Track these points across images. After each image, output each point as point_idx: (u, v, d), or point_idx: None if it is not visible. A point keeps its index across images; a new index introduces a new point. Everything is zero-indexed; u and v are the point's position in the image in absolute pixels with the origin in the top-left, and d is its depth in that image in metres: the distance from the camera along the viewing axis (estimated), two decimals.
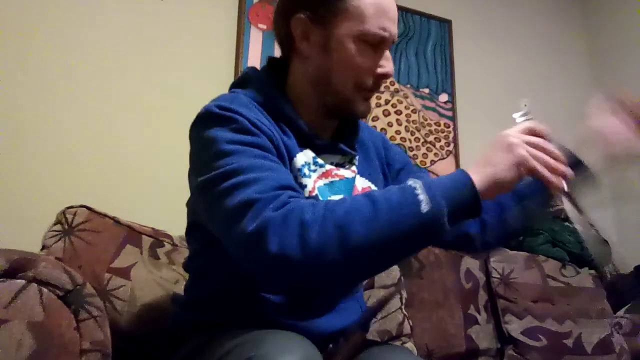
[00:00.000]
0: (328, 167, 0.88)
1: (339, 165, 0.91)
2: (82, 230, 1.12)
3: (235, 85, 0.92)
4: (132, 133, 1.72)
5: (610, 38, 2.74)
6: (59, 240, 1.09)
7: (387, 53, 0.85)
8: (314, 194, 0.84)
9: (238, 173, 0.71)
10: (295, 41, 0.86)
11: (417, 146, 2.24)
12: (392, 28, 0.84)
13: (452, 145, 2.31)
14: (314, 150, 0.87)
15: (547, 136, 0.75)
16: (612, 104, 0.84)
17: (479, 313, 1.67)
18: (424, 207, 0.65)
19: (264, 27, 2.02)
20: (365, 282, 1.40)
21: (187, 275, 0.97)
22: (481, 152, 0.75)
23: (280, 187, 0.71)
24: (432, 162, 2.25)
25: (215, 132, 0.76)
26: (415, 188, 0.67)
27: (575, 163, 0.83)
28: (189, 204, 0.92)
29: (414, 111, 2.27)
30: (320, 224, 0.65)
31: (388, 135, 2.17)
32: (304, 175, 0.84)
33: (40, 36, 1.65)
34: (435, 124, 2.30)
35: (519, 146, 0.71)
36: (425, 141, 2.26)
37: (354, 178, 0.91)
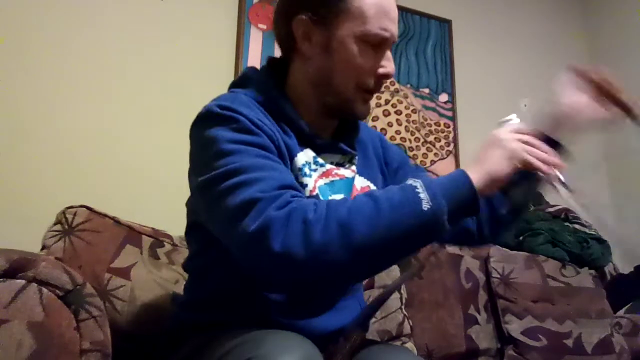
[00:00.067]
0: (328, 166, 0.88)
1: (339, 164, 0.91)
2: (82, 230, 1.12)
3: (235, 85, 0.92)
4: (132, 133, 1.72)
5: (610, 38, 2.74)
6: (59, 240, 1.09)
7: (388, 53, 0.86)
8: (314, 193, 0.84)
9: (239, 172, 0.71)
10: (297, 42, 0.86)
11: (417, 146, 2.24)
12: (393, 28, 0.84)
13: (452, 145, 2.31)
14: (314, 150, 0.87)
15: (533, 133, 0.79)
16: (579, 80, 0.88)
17: (479, 313, 1.67)
18: (425, 205, 0.66)
19: (264, 27, 2.02)
20: (365, 282, 1.40)
21: (186, 275, 0.97)
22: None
23: (282, 187, 0.71)
24: (432, 162, 2.25)
25: (216, 132, 0.76)
26: (415, 187, 0.68)
27: (558, 148, 0.86)
28: (189, 204, 0.92)
29: (414, 111, 2.27)
30: (323, 223, 0.65)
31: (388, 135, 2.17)
32: (305, 175, 0.84)
33: (41, 36, 1.65)
34: (435, 124, 2.30)
35: (510, 141, 0.74)
36: (425, 141, 2.26)
37: (353, 177, 0.91)
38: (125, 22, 1.79)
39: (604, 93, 0.87)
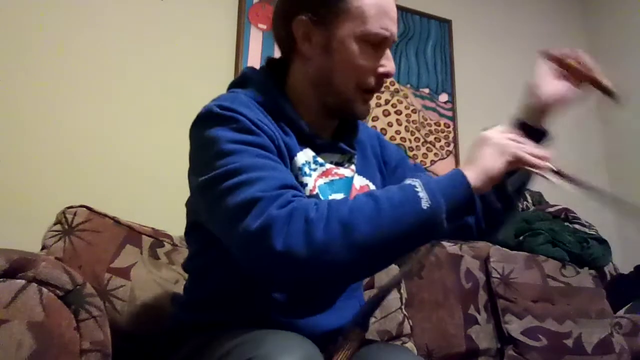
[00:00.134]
0: (328, 166, 0.89)
1: (339, 164, 0.91)
2: (82, 230, 1.12)
3: (234, 85, 0.92)
4: (132, 133, 1.72)
5: (610, 38, 2.74)
6: (59, 240, 1.09)
7: (388, 52, 0.86)
8: (314, 192, 0.84)
9: (240, 172, 0.71)
10: (297, 43, 0.86)
11: (417, 146, 2.24)
12: (393, 27, 0.84)
13: (452, 145, 2.31)
14: (314, 150, 0.87)
15: (518, 133, 0.82)
16: (555, 66, 0.93)
17: (479, 313, 1.67)
18: (424, 204, 0.67)
19: (264, 27, 2.02)
20: (365, 281, 1.40)
21: (186, 276, 0.97)
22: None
23: (283, 186, 0.71)
24: (432, 162, 2.25)
25: (216, 132, 0.76)
26: (414, 186, 0.69)
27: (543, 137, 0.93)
28: (189, 204, 0.92)
29: (414, 111, 2.27)
30: (325, 222, 0.66)
31: (388, 135, 2.17)
32: (305, 174, 0.84)
33: (40, 36, 1.65)
34: (435, 124, 2.30)
35: (499, 138, 0.77)
36: (425, 141, 2.26)
37: (352, 177, 0.92)
38: (125, 22, 1.80)
39: (583, 77, 0.91)
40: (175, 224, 1.13)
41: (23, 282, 0.80)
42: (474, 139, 0.80)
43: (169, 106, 1.78)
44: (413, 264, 0.84)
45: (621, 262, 2.22)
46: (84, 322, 0.84)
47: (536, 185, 2.27)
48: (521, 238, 1.97)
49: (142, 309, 1.11)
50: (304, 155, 0.85)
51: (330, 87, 0.85)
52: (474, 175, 0.72)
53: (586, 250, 1.94)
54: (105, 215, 1.18)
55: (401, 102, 2.25)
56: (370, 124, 2.15)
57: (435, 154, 2.27)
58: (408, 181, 0.71)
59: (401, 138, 2.21)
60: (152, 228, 1.26)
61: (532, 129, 0.93)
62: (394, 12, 0.85)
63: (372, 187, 0.95)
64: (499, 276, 1.73)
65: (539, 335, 1.65)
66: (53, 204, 1.18)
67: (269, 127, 0.80)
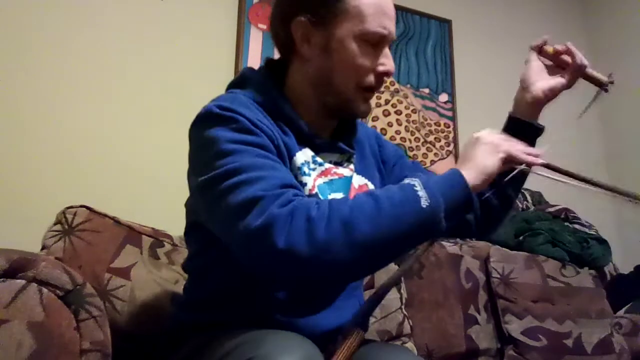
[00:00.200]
0: (327, 165, 0.89)
1: (337, 163, 0.92)
2: (82, 230, 1.12)
3: (233, 86, 0.92)
4: (132, 133, 1.72)
5: (610, 38, 2.74)
6: (59, 240, 1.09)
7: (387, 51, 0.86)
8: (313, 192, 0.84)
9: (240, 172, 0.71)
10: (296, 44, 0.86)
11: (417, 146, 2.24)
12: (391, 26, 0.85)
13: (452, 145, 2.31)
14: (313, 149, 0.88)
15: (507, 134, 0.85)
16: (546, 61, 0.95)
17: (479, 313, 1.67)
18: (424, 203, 0.68)
19: (264, 27, 2.02)
20: (365, 281, 1.40)
21: (186, 275, 0.97)
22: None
23: (284, 186, 0.71)
24: (432, 162, 2.25)
25: (216, 132, 0.76)
26: (414, 185, 0.70)
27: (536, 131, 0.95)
28: (188, 204, 0.92)
29: (414, 111, 2.27)
30: (326, 221, 0.66)
31: (388, 135, 2.17)
32: (304, 174, 0.84)
33: (41, 36, 1.65)
34: (435, 124, 2.30)
35: (490, 137, 0.79)
36: (425, 141, 2.26)
37: (351, 176, 0.92)
38: (125, 22, 1.79)
39: (573, 70, 0.92)
40: (175, 224, 1.13)
41: (23, 282, 0.80)
42: (466, 141, 0.82)
43: (169, 106, 1.78)
44: (412, 262, 0.84)
45: (621, 262, 2.22)
46: (84, 322, 0.84)
47: (536, 185, 2.27)
48: (521, 238, 1.97)
49: (142, 309, 1.11)
50: (303, 155, 0.86)
51: (330, 87, 0.86)
52: (470, 174, 0.74)
53: (586, 250, 1.94)
54: (105, 215, 1.18)
55: (401, 102, 2.25)
56: (370, 124, 2.15)
57: (435, 154, 2.27)
58: (407, 180, 0.72)
59: (401, 138, 2.21)
60: (152, 228, 1.26)
61: (526, 123, 0.93)
62: (391, 11, 0.85)
63: (371, 186, 0.95)
64: (499, 276, 1.73)
65: (539, 335, 1.65)
66: (53, 204, 1.18)
67: (268, 127, 0.80)
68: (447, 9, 2.48)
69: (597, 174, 2.74)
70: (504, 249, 1.84)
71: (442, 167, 2.23)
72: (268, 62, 0.94)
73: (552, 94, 0.93)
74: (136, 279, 1.13)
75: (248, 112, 0.79)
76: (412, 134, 2.24)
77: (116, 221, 1.19)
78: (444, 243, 1.73)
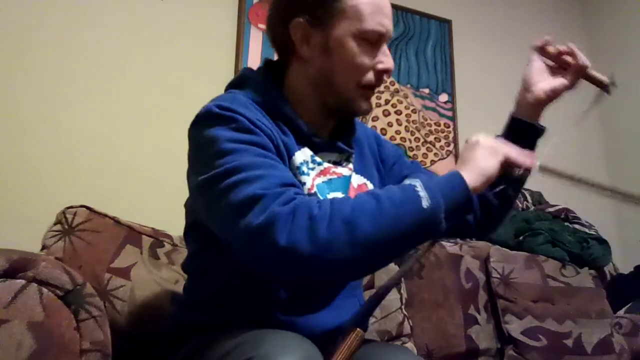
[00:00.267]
0: (326, 165, 0.89)
1: (336, 163, 0.92)
2: (82, 230, 1.12)
3: (232, 86, 0.93)
4: (132, 133, 1.72)
5: (610, 38, 2.74)
6: (59, 240, 1.09)
7: (385, 49, 0.87)
8: (312, 191, 0.84)
9: (240, 170, 0.71)
10: (295, 45, 0.86)
11: (417, 146, 2.24)
12: (388, 24, 0.86)
13: (452, 145, 2.31)
14: (312, 149, 0.88)
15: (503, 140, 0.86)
16: (548, 61, 0.95)
17: (479, 313, 1.67)
18: (425, 203, 0.68)
19: (264, 27, 2.02)
20: (365, 281, 1.40)
21: (186, 275, 0.97)
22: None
23: (284, 184, 0.72)
24: (432, 162, 2.25)
25: (215, 132, 0.76)
26: (415, 186, 0.70)
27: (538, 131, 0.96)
28: (188, 204, 0.92)
29: (414, 111, 2.27)
30: (328, 220, 0.67)
31: (388, 135, 2.17)
32: (303, 173, 0.84)
33: (41, 36, 1.65)
34: (435, 124, 2.30)
35: (489, 140, 0.80)
36: (425, 141, 2.26)
37: (350, 175, 0.92)
38: (125, 22, 1.79)
39: (576, 71, 0.92)
40: (175, 224, 1.13)
41: (23, 282, 0.80)
42: (465, 144, 0.83)
43: (169, 106, 1.78)
44: (412, 262, 0.85)
45: (621, 262, 2.22)
46: (84, 322, 0.84)
47: (536, 185, 2.27)
48: (521, 238, 1.97)
49: (142, 309, 1.11)
50: (302, 155, 0.86)
51: (330, 87, 0.86)
52: (470, 176, 0.74)
53: (586, 250, 1.94)
54: (105, 215, 1.18)
55: (401, 102, 2.25)
56: (370, 124, 2.15)
57: (435, 154, 2.26)
58: (408, 181, 0.72)
59: (401, 138, 2.21)
60: (152, 228, 1.26)
61: (527, 124, 0.93)
62: (388, 9, 0.86)
63: (370, 185, 0.95)
64: (499, 276, 1.73)
65: (539, 335, 1.66)
66: (53, 204, 1.18)
67: (267, 126, 0.81)
68: (447, 9, 2.48)
69: (597, 174, 2.75)
70: (504, 249, 1.84)
71: (442, 167, 2.23)
72: (267, 63, 0.94)
73: (553, 95, 0.93)
74: (136, 279, 1.13)
75: (247, 111, 0.79)
76: (412, 134, 2.24)
77: (116, 221, 1.19)
78: (444, 243, 1.73)
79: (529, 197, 2.19)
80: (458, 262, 1.71)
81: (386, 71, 0.86)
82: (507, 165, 0.79)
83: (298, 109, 0.88)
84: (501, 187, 0.85)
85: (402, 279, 1.54)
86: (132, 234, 1.19)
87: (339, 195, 0.88)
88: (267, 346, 0.64)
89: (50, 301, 0.81)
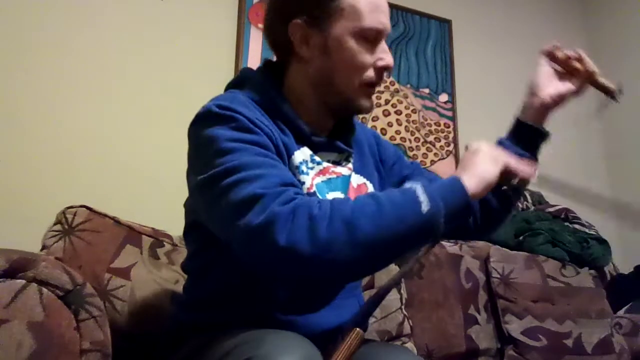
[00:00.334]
0: (325, 164, 0.89)
1: (336, 162, 0.92)
2: (82, 230, 1.12)
3: (231, 86, 0.93)
4: (132, 133, 1.72)
5: (610, 38, 2.74)
6: (59, 240, 1.09)
7: (385, 45, 0.87)
8: (312, 190, 0.84)
9: (240, 170, 0.71)
10: (294, 46, 0.86)
11: (417, 146, 2.24)
12: (386, 20, 0.86)
13: (452, 145, 2.31)
14: (311, 148, 0.88)
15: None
16: (556, 66, 0.95)
17: (479, 313, 1.67)
18: (424, 207, 0.68)
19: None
20: (364, 281, 1.40)
21: (186, 275, 0.97)
22: None
23: (284, 184, 0.72)
24: (432, 162, 2.25)
25: (215, 131, 0.76)
26: (415, 190, 0.70)
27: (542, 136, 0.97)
28: (187, 203, 0.92)
29: (414, 111, 2.27)
30: (328, 220, 0.67)
31: (388, 135, 2.17)
32: (302, 173, 0.85)
33: (41, 36, 1.65)
34: (435, 124, 2.30)
35: (491, 148, 0.81)
36: (425, 141, 2.26)
37: (350, 175, 0.92)
38: (125, 22, 1.79)
39: (584, 77, 0.93)
40: (175, 224, 1.13)
41: (23, 282, 0.80)
42: (465, 150, 0.83)
43: (169, 106, 1.78)
44: (413, 263, 0.85)
45: (621, 262, 2.21)
46: (84, 322, 0.84)
47: (536, 185, 2.26)
48: (521, 238, 1.97)
49: (142, 309, 1.11)
50: (302, 154, 0.86)
51: (331, 86, 0.86)
52: (471, 182, 0.75)
53: (586, 250, 1.94)
54: (105, 215, 1.18)
55: (401, 102, 2.25)
56: (370, 124, 2.15)
57: (435, 154, 2.26)
58: (408, 185, 0.72)
59: (401, 138, 2.21)
60: (152, 228, 1.26)
61: (532, 128, 0.94)
62: (385, 5, 0.86)
63: (370, 185, 0.95)
64: (499, 276, 1.73)
65: (539, 335, 1.66)
66: (53, 204, 1.18)
67: (267, 126, 0.81)
68: (447, 9, 2.48)
69: (597, 174, 2.75)
70: (504, 249, 1.84)
71: (442, 167, 2.23)
72: (267, 63, 0.94)
73: (560, 100, 0.93)
74: (136, 279, 1.13)
75: (247, 111, 0.79)
76: (412, 134, 2.24)
77: (116, 221, 1.19)
78: (444, 243, 1.73)
79: (529, 197, 2.19)
80: (458, 262, 1.71)
81: (386, 68, 0.86)
82: (507, 174, 0.79)
83: (297, 108, 0.88)
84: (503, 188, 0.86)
85: (402, 279, 1.54)
86: (132, 234, 1.19)
87: (338, 194, 0.88)
88: (267, 346, 0.64)
89: (50, 301, 0.81)
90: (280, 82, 0.91)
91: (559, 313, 1.72)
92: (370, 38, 0.84)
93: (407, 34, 2.35)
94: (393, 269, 1.48)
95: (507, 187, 0.82)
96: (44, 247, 1.09)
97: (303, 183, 0.84)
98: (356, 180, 0.93)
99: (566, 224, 2.05)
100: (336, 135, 0.93)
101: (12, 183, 1.52)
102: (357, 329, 0.73)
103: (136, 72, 1.77)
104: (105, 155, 1.66)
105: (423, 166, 2.20)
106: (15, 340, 0.75)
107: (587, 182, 2.56)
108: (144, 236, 1.21)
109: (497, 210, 0.98)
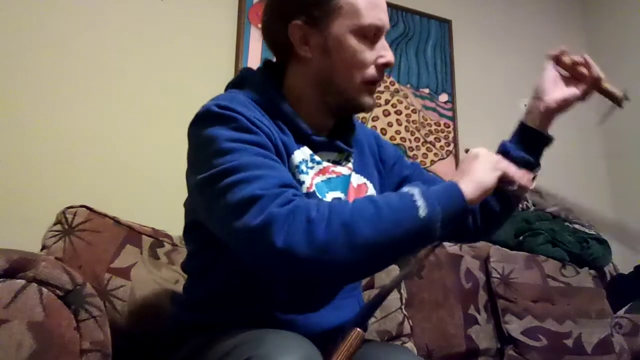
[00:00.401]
0: (325, 164, 0.89)
1: (336, 162, 0.92)
2: (82, 230, 1.12)
3: (231, 86, 0.93)
4: (132, 133, 1.72)
5: (610, 38, 2.74)
6: (59, 240, 1.09)
7: (384, 42, 0.87)
8: (311, 190, 0.84)
9: (239, 170, 0.71)
10: (294, 46, 0.86)
11: (417, 146, 2.24)
12: (385, 17, 0.86)
13: (452, 145, 2.31)
14: (311, 148, 0.88)
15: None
16: (561, 71, 0.96)
17: (479, 313, 1.67)
18: (422, 212, 0.69)
19: None
20: (364, 281, 1.40)
21: (186, 275, 0.97)
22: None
23: (283, 185, 0.72)
24: (432, 162, 2.25)
25: (215, 131, 0.76)
26: (413, 195, 0.71)
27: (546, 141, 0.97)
28: (187, 203, 0.92)
29: (414, 111, 2.27)
30: (326, 222, 0.67)
31: (388, 135, 2.17)
32: (302, 172, 0.85)
33: (41, 36, 1.65)
34: (435, 124, 2.30)
35: (490, 155, 0.81)
36: (425, 141, 2.26)
37: (350, 175, 0.92)
38: (125, 22, 1.79)
39: (590, 83, 0.93)
40: (175, 224, 1.13)
41: (23, 282, 0.80)
42: (464, 155, 0.84)
43: (169, 106, 1.78)
44: (414, 265, 0.85)
45: (621, 262, 2.21)
46: (84, 322, 0.84)
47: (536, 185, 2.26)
48: (521, 238, 1.97)
49: (142, 309, 1.11)
50: (301, 154, 0.86)
51: (333, 85, 0.86)
52: (468, 189, 0.75)
53: (586, 250, 1.94)
54: (105, 215, 1.18)
55: (401, 102, 2.25)
56: (370, 124, 2.15)
57: (435, 154, 2.26)
58: (406, 189, 0.73)
59: (401, 138, 2.21)
60: (152, 228, 1.26)
61: (536, 132, 0.94)
62: (383, 2, 0.87)
63: (370, 185, 0.95)
64: (499, 276, 1.73)
65: (539, 335, 1.66)
66: (53, 204, 1.18)
67: (266, 125, 0.81)
68: (447, 9, 2.48)
69: (597, 174, 2.75)
70: (504, 249, 1.84)
71: (442, 167, 2.23)
72: (266, 63, 0.94)
73: (565, 105, 0.94)
74: (136, 279, 1.13)
75: (247, 111, 0.79)
76: (412, 134, 2.24)
77: (116, 221, 1.19)
78: (444, 243, 1.73)
79: (529, 197, 2.19)
80: (458, 262, 1.71)
81: (387, 64, 0.87)
82: (505, 181, 0.80)
83: (297, 108, 0.88)
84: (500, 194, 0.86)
85: (403, 280, 1.54)
86: (132, 234, 1.19)
87: (338, 194, 0.88)
88: (266, 346, 0.64)
89: (50, 301, 0.81)
90: (280, 82, 0.91)
91: (559, 313, 1.72)
92: (369, 35, 0.84)
93: (407, 34, 2.35)
94: (393, 269, 1.48)
95: (504, 193, 0.83)
96: (44, 247, 1.09)
97: (303, 182, 0.84)
98: (356, 180, 0.93)
99: (566, 224, 2.05)
100: (336, 135, 0.93)
101: (12, 183, 1.52)
102: (358, 329, 0.73)
103: (136, 72, 1.77)
104: (105, 155, 1.66)
105: (423, 166, 2.20)
106: (15, 340, 0.75)
107: (587, 182, 2.56)
108: (144, 236, 1.21)
109: (497, 213, 0.98)
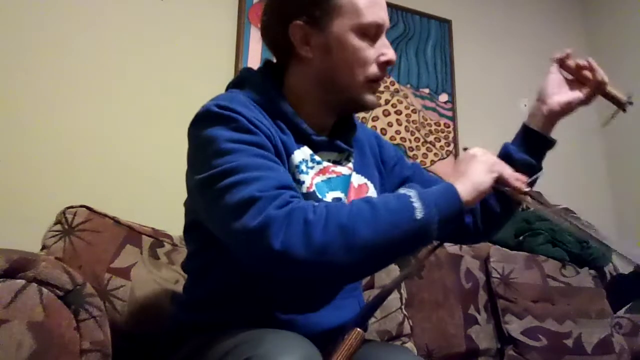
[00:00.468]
0: (325, 164, 0.89)
1: (336, 162, 0.92)
2: (82, 230, 1.12)
3: (232, 86, 0.93)
4: (132, 133, 1.72)
5: (610, 38, 2.74)
6: (59, 240, 1.09)
7: (385, 40, 0.87)
8: (311, 190, 0.84)
9: (238, 171, 0.71)
10: (295, 46, 0.86)
11: (417, 146, 2.24)
12: (385, 15, 0.86)
13: (452, 145, 2.31)
14: (311, 148, 0.88)
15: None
16: (566, 74, 0.96)
17: (479, 313, 1.67)
18: (418, 214, 0.69)
19: None
20: (364, 281, 1.40)
21: (186, 275, 0.97)
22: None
23: (281, 187, 0.72)
24: (432, 162, 2.25)
25: (214, 131, 0.76)
26: (410, 196, 0.71)
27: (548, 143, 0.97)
28: (187, 203, 0.92)
29: (414, 111, 2.27)
30: (323, 224, 0.67)
31: (388, 135, 2.17)
32: (302, 172, 0.85)
33: (41, 36, 1.65)
34: (435, 124, 2.30)
35: (487, 156, 0.81)
36: (425, 141, 2.26)
37: (350, 175, 0.92)
38: (125, 22, 1.79)
39: (594, 87, 0.93)
40: (175, 224, 1.13)
41: (23, 282, 0.80)
42: (462, 154, 0.84)
43: (169, 106, 1.78)
44: (414, 266, 0.85)
45: (621, 262, 2.21)
46: (84, 322, 0.84)
47: (536, 185, 2.26)
48: (521, 238, 1.97)
49: (142, 309, 1.11)
50: (301, 153, 0.86)
51: (335, 85, 0.86)
52: (465, 191, 0.75)
53: (586, 250, 1.94)
54: (105, 215, 1.18)
55: (401, 102, 2.25)
56: (370, 124, 2.15)
57: (435, 154, 2.26)
58: (403, 191, 0.73)
59: (401, 138, 2.21)
60: (152, 228, 1.26)
61: (539, 134, 0.94)
62: (382, 0, 0.87)
63: (370, 185, 0.95)
64: (499, 276, 1.73)
65: (539, 335, 1.66)
66: (53, 204, 1.18)
67: (266, 126, 0.81)
68: (447, 9, 2.48)
69: (597, 174, 2.74)
70: (504, 249, 1.84)
71: (442, 167, 2.23)
72: (267, 64, 0.94)
73: (568, 108, 0.94)
74: (136, 279, 1.13)
75: (247, 111, 0.79)
76: (412, 134, 2.24)
77: (116, 221, 1.19)
78: (444, 243, 1.73)
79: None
80: (458, 262, 1.71)
81: (389, 62, 0.87)
82: (501, 183, 0.80)
83: (298, 108, 0.88)
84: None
85: (403, 281, 1.54)
86: (132, 234, 1.19)
87: (338, 194, 0.88)
88: (266, 346, 0.65)
89: (50, 301, 0.81)
90: (280, 82, 0.91)
91: (559, 313, 1.72)
92: (370, 34, 0.84)
93: (407, 34, 2.35)
94: (393, 269, 1.48)
95: (499, 197, 0.83)
96: (44, 247, 1.09)
97: (303, 182, 0.84)
98: (357, 180, 0.93)
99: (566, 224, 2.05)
100: (337, 135, 0.93)
101: (12, 183, 1.52)
102: (358, 329, 0.73)
103: (136, 72, 1.77)
104: (105, 155, 1.66)
105: (423, 166, 2.20)
106: (15, 340, 0.75)
107: (587, 182, 2.56)
108: (144, 236, 1.21)
109: (498, 214, 0.98)
